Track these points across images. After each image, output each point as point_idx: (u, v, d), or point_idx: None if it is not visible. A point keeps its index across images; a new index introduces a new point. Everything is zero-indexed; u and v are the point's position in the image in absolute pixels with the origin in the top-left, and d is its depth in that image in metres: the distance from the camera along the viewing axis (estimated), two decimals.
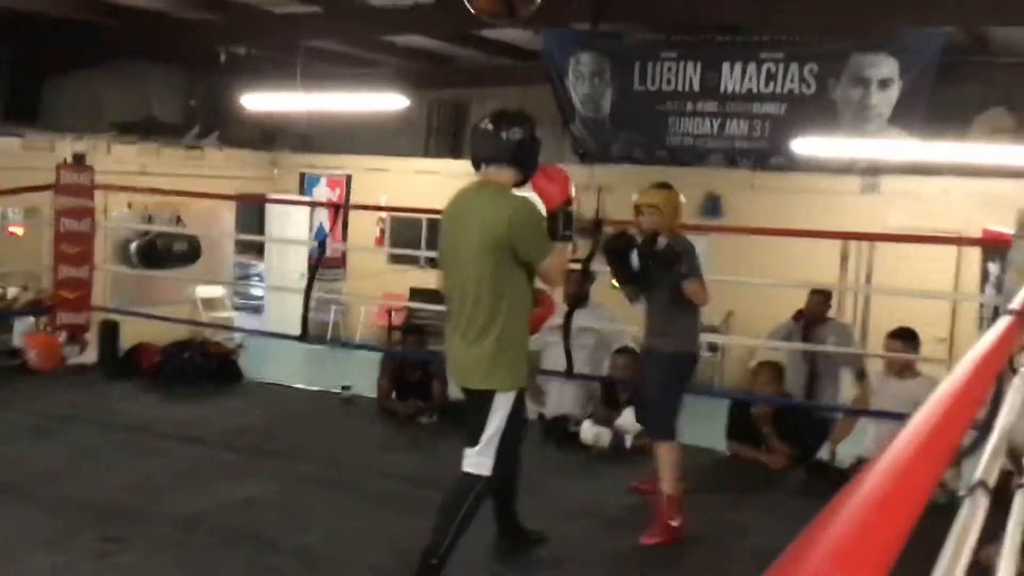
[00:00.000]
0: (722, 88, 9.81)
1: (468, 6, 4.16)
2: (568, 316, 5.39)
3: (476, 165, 3.62)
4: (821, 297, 6.39)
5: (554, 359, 5.74)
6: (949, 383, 1.27)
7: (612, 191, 11.61)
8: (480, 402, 3.52)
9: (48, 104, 11.56)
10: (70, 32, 10.72)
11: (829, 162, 10.30)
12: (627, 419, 5.43)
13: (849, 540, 0.73)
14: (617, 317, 6.09)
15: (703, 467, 5.37)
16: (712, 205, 11.12)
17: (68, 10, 9.86)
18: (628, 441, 5.42)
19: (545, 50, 10.26)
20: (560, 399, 5.92)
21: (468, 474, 3.52)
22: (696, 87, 9.90)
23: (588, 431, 5.45)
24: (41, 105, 11.50)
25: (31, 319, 7.64)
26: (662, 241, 4.06)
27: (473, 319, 3.50)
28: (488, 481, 3.54)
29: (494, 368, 3.50)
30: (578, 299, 5.54)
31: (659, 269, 4.07)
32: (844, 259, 10.78)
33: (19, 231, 11.04)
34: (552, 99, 10.98)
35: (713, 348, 11.27)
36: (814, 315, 6.36)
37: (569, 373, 5.43)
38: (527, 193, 3.58)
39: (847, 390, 6.40)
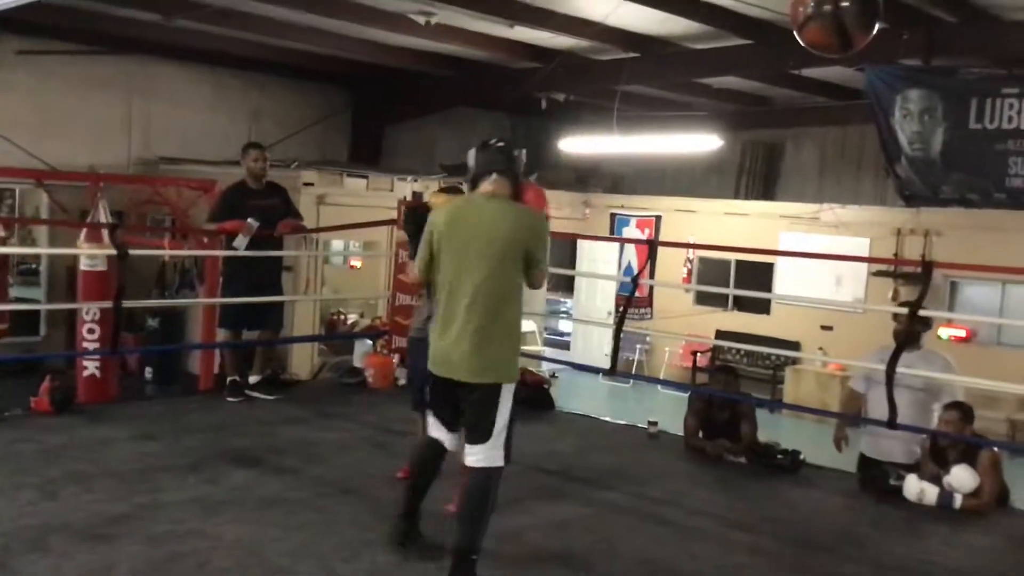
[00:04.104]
0: None
1: (798, 39, 4.11)
2: (894, 358, 5.08)
3: (481, 177, 3.77)
4: None
5: (880, 403, 5.37)
6: None
7: (941, 235, 10.87)
8: (488, 397, 3.67)
9: (388, 148, 12.75)
10: (407, 83, 11.76)
11: None
12: (958, 477, 5.04)
13: None
14: (952, 367, 5.59)
15: None
16: None
17: (407, 63, 10.81)
18: (958, 501, 5.02)
19: (869, 87, 9.81)
20: (883, 441, 5.57)
21: (484, 468, 3.70)
22: None
23: (912, 486, 5.11)
24: (383, 149, 12.71)
25: (369, 342, 8.42)
26: None
27: (487, 318, 3.64)
28: (501, 470, 3.74)
29: (503, 363, 3.70)
30: (907, 340, 5.22)
31: None
32: None
33: (358, 264, 12.20)
34: (873, 138, 10.48)
35: None
36: None
37: (892, 423, 5.11)
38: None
39: None
